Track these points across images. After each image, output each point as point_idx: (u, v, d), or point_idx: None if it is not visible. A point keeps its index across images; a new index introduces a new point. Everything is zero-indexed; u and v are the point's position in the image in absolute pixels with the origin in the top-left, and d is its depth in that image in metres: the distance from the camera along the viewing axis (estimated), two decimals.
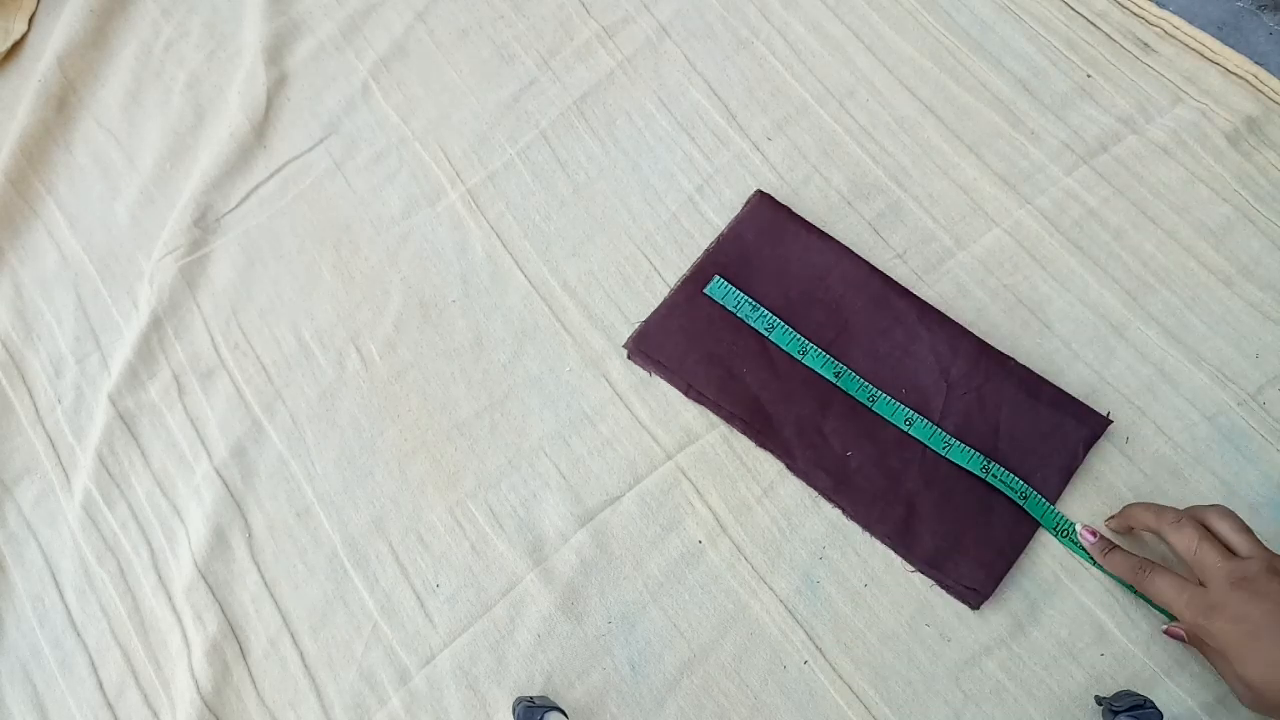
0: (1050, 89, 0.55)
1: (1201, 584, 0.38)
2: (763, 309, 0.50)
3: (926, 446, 0.46)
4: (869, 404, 0.47)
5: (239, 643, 0.46)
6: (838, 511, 0.46)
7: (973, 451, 0.46)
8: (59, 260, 0.57)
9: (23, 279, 0.56)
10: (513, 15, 0.61)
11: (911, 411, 0.47)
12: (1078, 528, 0.44)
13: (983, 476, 0.45)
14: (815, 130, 0.55)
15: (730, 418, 0.48)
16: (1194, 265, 0.50)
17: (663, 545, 0.47)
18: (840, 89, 0.56)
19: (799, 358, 0.49)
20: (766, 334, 0.49)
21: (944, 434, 0.47)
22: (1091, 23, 0.56)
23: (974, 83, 0.55)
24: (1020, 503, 0.45)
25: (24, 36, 0.64)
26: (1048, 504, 0.45)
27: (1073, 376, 0.48)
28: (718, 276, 0.51)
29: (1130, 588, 0.43)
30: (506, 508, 0.48)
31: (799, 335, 0.49)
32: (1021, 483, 0.45)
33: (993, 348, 0.48)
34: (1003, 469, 0.45)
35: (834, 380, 0.48)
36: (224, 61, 0.62)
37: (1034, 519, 0.45)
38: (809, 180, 0.54)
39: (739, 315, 0.50)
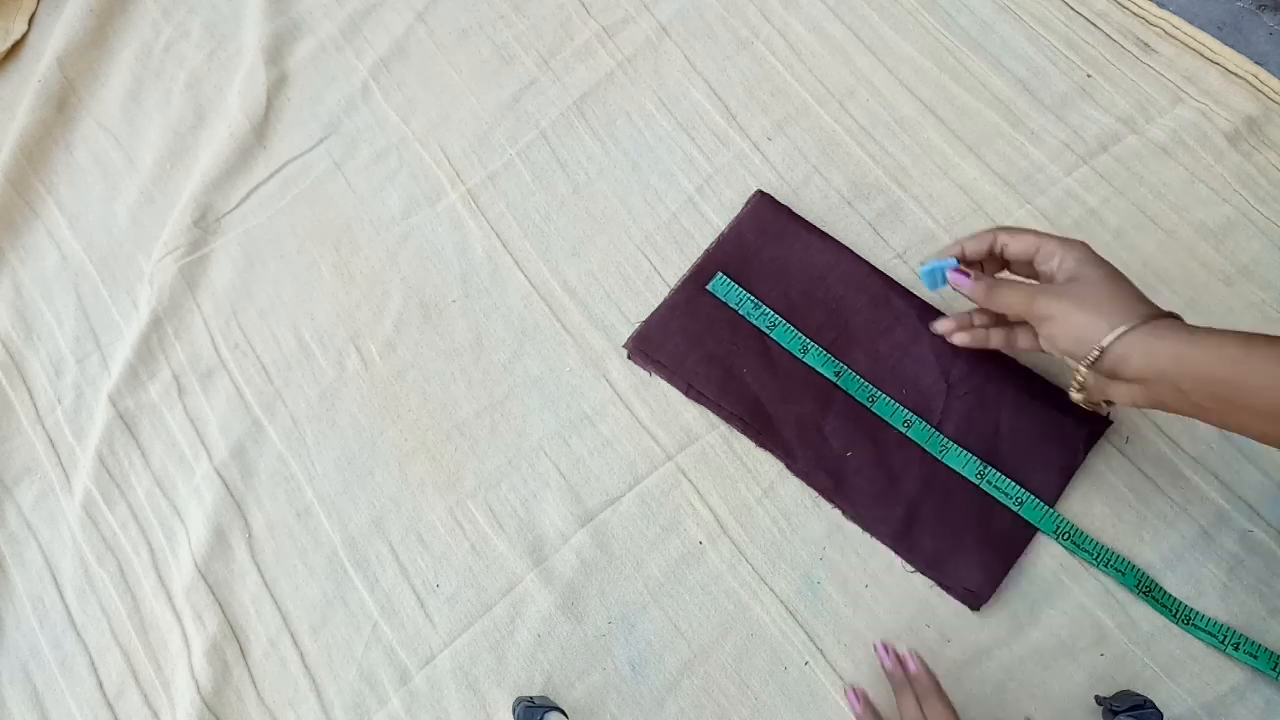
0: (1050, 89, 0.55)
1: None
2: (765, 307, 0.50)
3: (924, 449, 0.46)
4: (868, 404, 0.47)
5: (239, 643, 0.46)
6: (838, 512, 0.46)
7: (969, 456, 0.46)
8: (59, 260, 0.57)
9: (23, 279, 0.56)
10: (513, 15, 0.61)
11: (910, 413, 0.47)
12: (949, 275, 0.42)
13: (977, 483, 0.45)
14: (815, 130, 0.55)
15: (730, 418, 0.48)
16: (1194, 265, 0.50)
17: (663, 546, 0.47)
18: (840, 89, 0.56)
19: (800, 356, 0.49)
20: (768, 331, 0.49)
21: (942, 437, 0.47)
22: (1091, 23, 0.56)
23: (974, 83, 0.55)
24: (1015, 509, 0.45)
25: (24, 36, 0.64)
26: (1046, 507, 0.45)
27: None
28: (720, 274, 0.51)
29: (1131, 586, 0.43)
30: (506, 508, 0.48)
31: (800, 334, 0.49)
32: (1017, 488, 0.45)
33: None
34: (998, 474, 0.45)
35: (834, 380, 0.48)
36: (224, 61, 0.62)
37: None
38: (809, 180, 0.54)
39: (740, 312, 0.50)
